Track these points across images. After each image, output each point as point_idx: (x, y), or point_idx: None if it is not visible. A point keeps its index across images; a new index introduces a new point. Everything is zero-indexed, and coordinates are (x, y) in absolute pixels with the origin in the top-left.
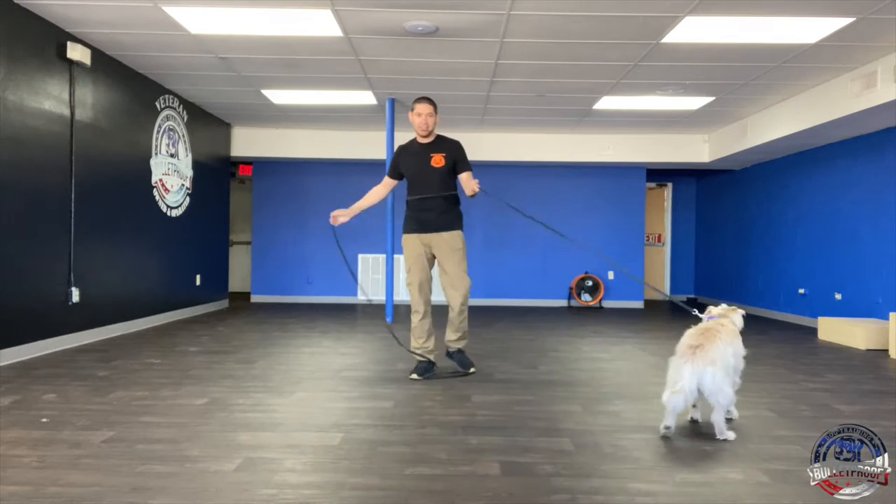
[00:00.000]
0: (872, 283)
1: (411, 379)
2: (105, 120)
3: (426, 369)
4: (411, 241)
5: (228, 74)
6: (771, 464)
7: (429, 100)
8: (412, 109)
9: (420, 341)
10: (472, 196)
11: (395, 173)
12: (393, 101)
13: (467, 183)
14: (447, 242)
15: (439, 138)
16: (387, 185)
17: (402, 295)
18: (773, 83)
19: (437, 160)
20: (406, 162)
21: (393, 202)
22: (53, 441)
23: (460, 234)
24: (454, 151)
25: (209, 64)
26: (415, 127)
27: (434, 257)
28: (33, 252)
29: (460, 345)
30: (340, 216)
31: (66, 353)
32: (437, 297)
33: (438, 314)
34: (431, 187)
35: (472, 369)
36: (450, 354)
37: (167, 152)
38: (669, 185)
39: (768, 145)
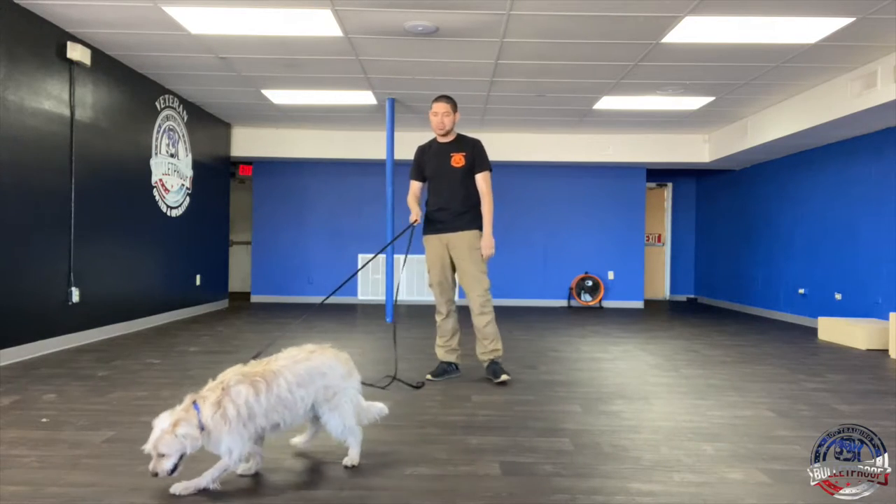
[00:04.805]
0: (872, 283)
1: (427, 380)
2: (105, 120)
3: (444, 371)
4: (431, 242)
5: (228, 74)
6: (771, 464)
7: (446, 98)
8: (431, 108)
9: (444, 339)
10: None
11: (419, 175)
12: (393, 101)
13: (483, 184)
14: (465, 241)
15: (459, 137)
16: (416, 189)
17: (401, 294)
18: (773, 83)
19: (457, 159)
20: (427, 162)
21: (393, 202)
22: (53, 441)
23: (479, 234)
24: (473, 150)
25: (209, 64)
26: (432, 126)
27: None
28: (33, 252)
29: (492, 356)
30: (417, 216)
31: (66, 353)
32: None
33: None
34: (451, 187)
35: (503, 377)
36: (486, 366)
37: (167, 152)
38: (669, 185)
39: (768, 145)
